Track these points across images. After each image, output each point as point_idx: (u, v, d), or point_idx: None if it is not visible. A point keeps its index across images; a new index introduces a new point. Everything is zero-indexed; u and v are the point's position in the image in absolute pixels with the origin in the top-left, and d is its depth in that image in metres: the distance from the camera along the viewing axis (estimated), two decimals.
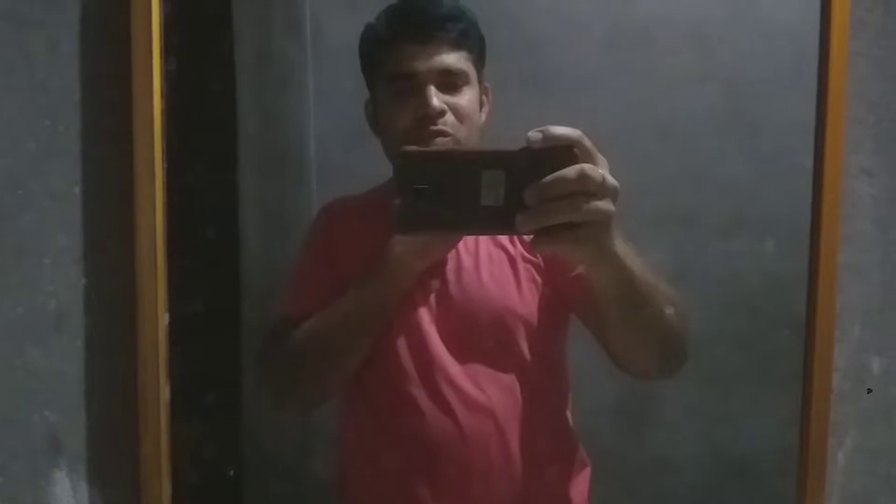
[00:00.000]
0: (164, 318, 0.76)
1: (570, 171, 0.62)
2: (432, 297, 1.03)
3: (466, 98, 1.03)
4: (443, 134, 1.00)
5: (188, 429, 1.09)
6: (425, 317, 1.02)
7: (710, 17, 1.43)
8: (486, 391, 0.99)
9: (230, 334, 1.31)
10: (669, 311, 0.88)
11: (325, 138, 1.50)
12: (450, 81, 1.02)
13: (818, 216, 0.92)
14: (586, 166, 0.63)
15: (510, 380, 1.01)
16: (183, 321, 0.97)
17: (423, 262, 0.98)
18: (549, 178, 0.62)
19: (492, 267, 1.04)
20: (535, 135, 0.63)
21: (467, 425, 0.97)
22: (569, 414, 1.10)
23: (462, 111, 1.02)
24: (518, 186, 0.63)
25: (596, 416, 1.37)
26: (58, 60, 0.74)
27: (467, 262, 1.04)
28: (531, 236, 0.65)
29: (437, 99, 0.99)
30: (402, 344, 1.01)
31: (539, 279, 1.05)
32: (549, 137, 0.63)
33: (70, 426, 0.77)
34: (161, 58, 0.71)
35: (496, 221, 0.64)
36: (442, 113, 1.00)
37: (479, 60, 1.08)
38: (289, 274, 1.16)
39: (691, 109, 1.44)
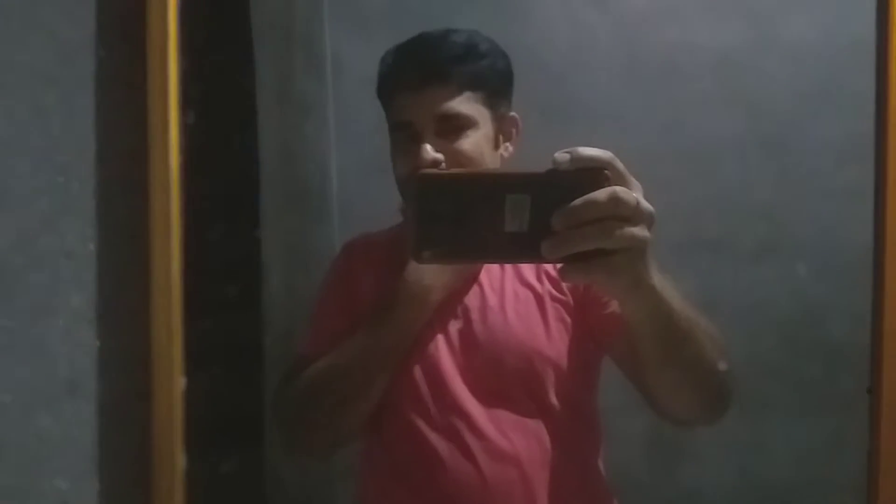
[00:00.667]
0: (180, 383, 0.74)
1: (601, 193, 0.58)
2: (455, 338, 0.99)
3: (469, 142, 0.97)
4: None
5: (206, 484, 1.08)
6: (447, 359, 0.98)
7: (733, 42, 1.42)
8: (510, 438, 0.95)
9: (253, 371, 1.30)
10: (711, 348, 0.81)
11: (346, 172, 1.50)
12: (449, 127, 0.97)
13: (882, 238, 0.84)
14: (619, 189, 0.58)
15: (536, 426, 0.96)
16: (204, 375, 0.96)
17: (439, 294, 0.94)
18: (578, 201, 0.57)
19: (518, 306, 0.99)
20: (562, 156, 0.58)
21: (490, 475, 0.93)
22: (600, 463, 1.04)
23: (464, 157, 0.96)
24: (544, 211, 0.58)
25: (627, 448, 1.35)
26: (72, 116, 0.73)
27: (492, 300, 1.00)
28: (559, 266, 0.61)
29: (430, 151, 0.95)
30: (422, 387, 0.97)
31: (569, 319, 1.00)
32: (577, 159, 0.58)
33: (81, 495, 0.75)
34: (179, 109, 0.70)
35: (521, 248, 0.60)
36: (435, 164, 0.95)
37: (494, 96, 1.02)
38: (310, 312, 1.14)
39: (717, 134, 1.42)
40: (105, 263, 0.74)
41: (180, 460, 0.74)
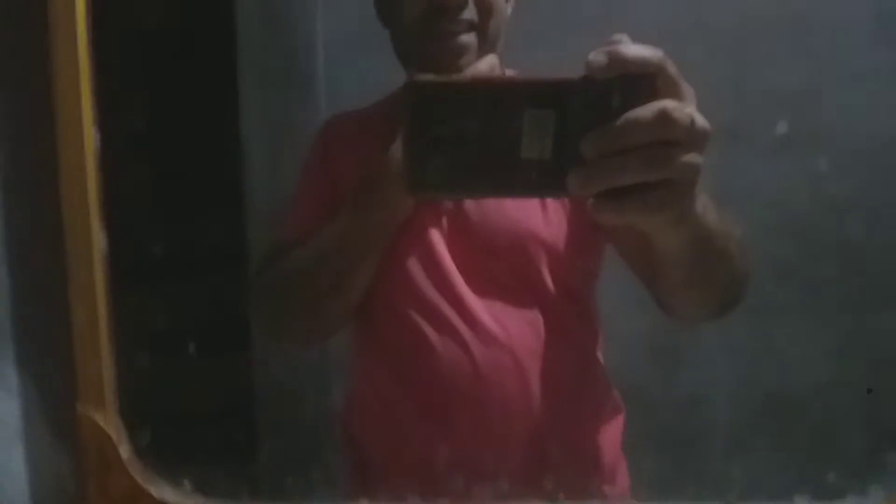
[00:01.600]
0: (94, 140, 0.65)
1: (647, 110, 0.45)
2: (447, 220, 0.91)
3: None
4: (465, 26, 0.84)
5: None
6: (440, 242, 0.90)
7: None
8: (504, 325, 0.89)
9: (236, 261, 1.24)
10: (740, 263, 0.73)
11: (334, 46, 1.38)
12: None
13: None
14: (669, 104, 0.46)
15: (531, 314, 0.90)
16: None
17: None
18: (619, 120, 0.45)
19: None
20: (598, 58, 0.45)
21: (483, 362, 0.87)
22: (599, 355, 1.00)
23: (488, 1, 0.84)
24: (573, 133, 0.46)
25: (626, 351, 1.30)
26: None
27: None
28: (590, 202, 0.48)
29: None
30: (414, 271, 0.90)
31: (566, 203, 0.91)
32: (618, 61, 0.46)
33: None
34: None
35: (541, 180, 0.48)
36: (463, 3, 0.83)
37: None
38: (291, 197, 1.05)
39: (740, 9, 1.29)
40: None
41: (99, 240, 0.65)
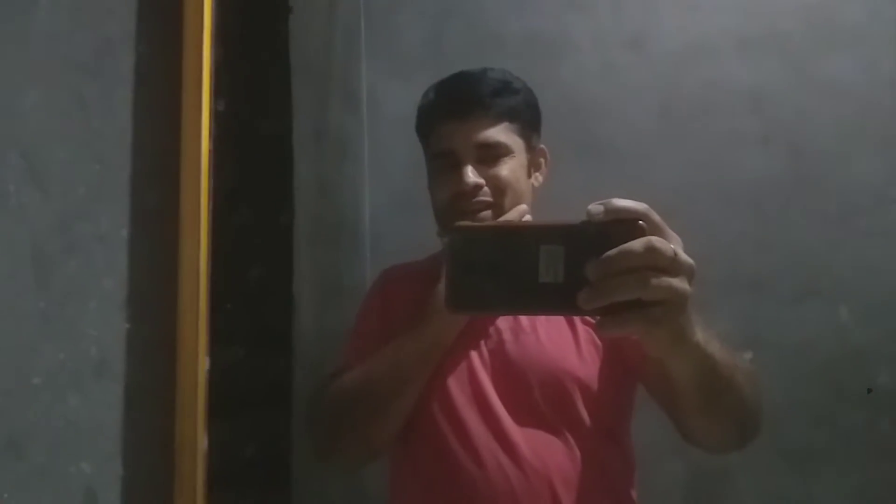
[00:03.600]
0: (204, 364, 0.74)
1: (637, 243, 0.56)
2: (487, 356, 1.00)
3: (507, 168, 1.03)
4: (483, 205, 1.02)
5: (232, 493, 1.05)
6: (482, 374, 0.98)
7: (769, 78, 1.41)
8: (541, 455, 0.93)
9: (282, 404, 1.28)
10: (750, 390, 0.81)
11: (379, 208, 1.51)
12: (489, 154, 1.03)
13: None
14: (655, 238, 0.56)
15: (568, 446, 0.95)
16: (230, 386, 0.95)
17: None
18: (613, 251, 0.56)
19: (549, 327, 1.01)
20: (596, 208, 0.57)
21: (521, 491, 0.91)
22: (633, 494, 1.02)
23: (502, 183, 1.02)
24: (579, 263, 0.57)
25: (664, 495, 1.29)
26: (111, 108, 0.75)
27: (524, 321, 1.01)
28: (597, 319, 0.58)
29: (472, 175, 1.01)
30: (457, 401, 0.97)
31: (599, 343, 1.01)
32: (611, 211, 0.57)
33: (106, 478, 0.74)
34: (210, 99, 0.72)
35: (556, 300, 0.59)
36: (478, 188, 1.01)
37: (528, 128, 1.08)
38: (343, 340, 1.14)
39: (754, 173, 1.40)
40: (137, 248, 0.75)
41: (202, 442, 0.72)
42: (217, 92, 0.72)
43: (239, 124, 0.94)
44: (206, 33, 0.72)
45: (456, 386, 0.98)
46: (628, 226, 0.57)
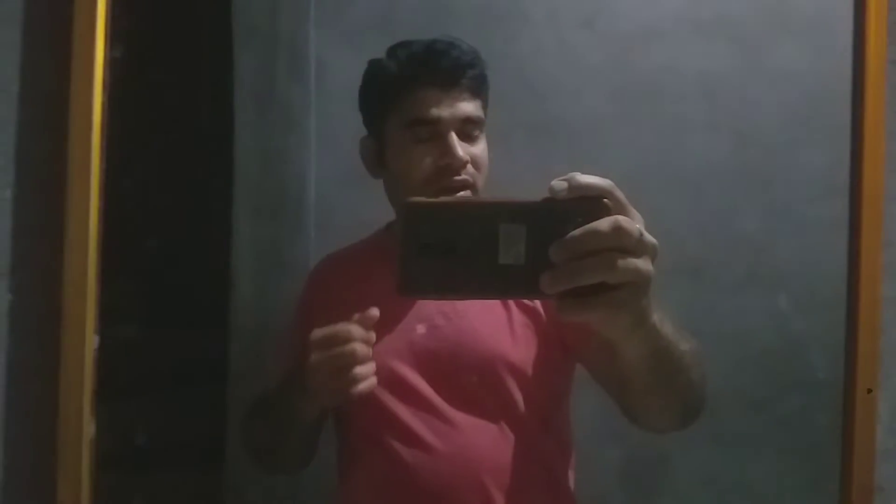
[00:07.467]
0: (92, 342, 0.69)
1: (603, 223, 0.53)
2: (419, 342, 0.97)
3: (481, 147, 1.00)
4: (466, 185, 0.97)
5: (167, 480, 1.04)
6: (411, 366, 0.96)
7: (718, 66, 1.40)
8: (472, 439, 0.93)
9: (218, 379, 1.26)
10: (697, 371, 0.80)
11: (326, 182, 1.47)
12: (468, 130, 0.99)
13: (856, 274, 0.83)
14: (621, 218, 0.54)
15: (500, 430, 0.94)
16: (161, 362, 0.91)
17: (332, 403, 0.90)
18: (577, 231, 0.53)
19: (482, 310, 0.98)
20: (559, 184, 0.54)
21: (448, 472, 0.91)
22: (570, 477, 1.02)
23: (479, 161, 0.99)
24: (542, 243, 0.54)
25: (601, 480, 1.30)
26: None
27: (458, 304, 0.97)
28: (557, 303, 0.56)
29: (461, 149, 0.96)
30: (385, 397, 0.95)
31: (534, 326, 0.99)
32: (575, 187, 0.54)
33: None
34: (106, 46, 0.65)
35: (517, 282, 0.55)
36: (465, 164, 0.96)
37: (486, 104, 1.05)
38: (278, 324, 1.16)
39: (701, 160, 1.40)
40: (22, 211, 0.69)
41: (90, 428, 0.68)
42: (114, 40, 0.65)
43: (139, 76, 0.87)
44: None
45: (385, 372, 0.94)
46: (592, 203, 0.55)
